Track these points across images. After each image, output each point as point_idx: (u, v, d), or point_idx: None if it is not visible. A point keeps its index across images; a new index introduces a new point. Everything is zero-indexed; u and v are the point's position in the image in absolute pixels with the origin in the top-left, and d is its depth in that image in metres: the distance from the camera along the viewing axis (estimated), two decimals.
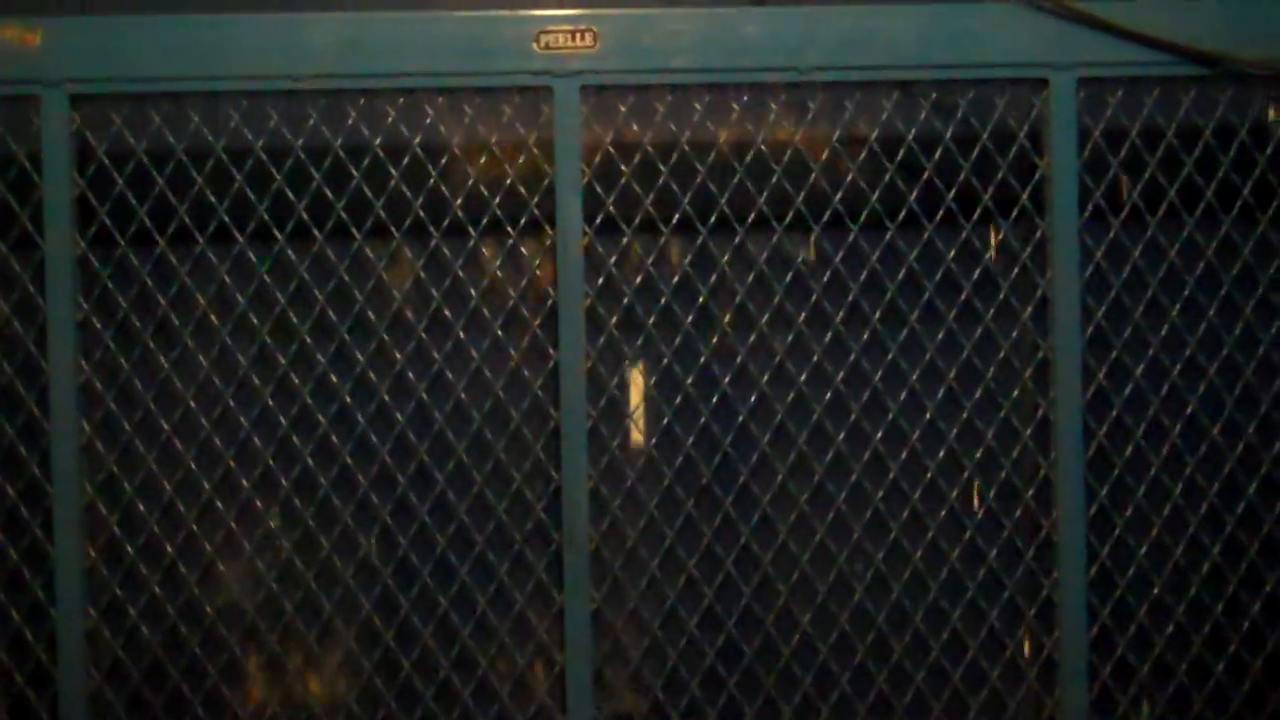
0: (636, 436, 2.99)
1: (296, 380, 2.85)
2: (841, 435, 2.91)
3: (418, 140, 2.74)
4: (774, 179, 2.81)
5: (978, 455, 2.93)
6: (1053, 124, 2.72)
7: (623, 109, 2.76)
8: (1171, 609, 2.93)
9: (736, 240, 2.84)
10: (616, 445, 2.93)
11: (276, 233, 2.76)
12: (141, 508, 2.81)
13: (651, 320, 2.87)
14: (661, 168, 2.78)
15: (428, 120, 2.74)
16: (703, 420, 2.92)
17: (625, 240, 2.81)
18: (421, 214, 2.78)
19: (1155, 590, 2.92)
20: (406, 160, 2.76)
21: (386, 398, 2.87)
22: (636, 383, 2.99)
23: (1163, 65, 2.73)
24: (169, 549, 2.83)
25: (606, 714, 2.96)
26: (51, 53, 2.56)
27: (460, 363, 2.89)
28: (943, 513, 2.93)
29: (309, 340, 2.86)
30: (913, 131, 2.82)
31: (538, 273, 2.95)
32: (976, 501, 3.01)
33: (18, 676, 2.78)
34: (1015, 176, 2.83)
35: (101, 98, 2.62)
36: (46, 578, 2.69)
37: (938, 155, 2.83)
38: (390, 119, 2.73)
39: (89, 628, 2.66)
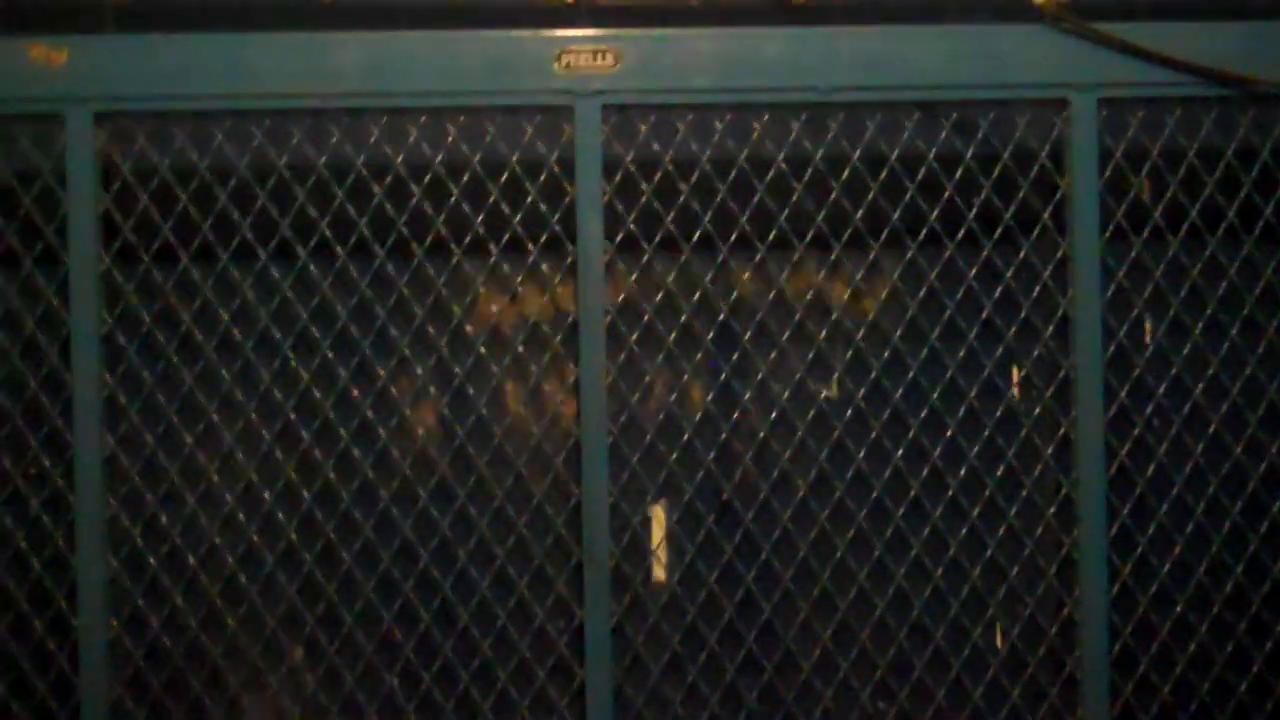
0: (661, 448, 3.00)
1: (318, 394, 2.87)
2: (861, 453, 2.91)
3: (440, 159, 2.75)
4: (793, 197, 2.81)
5: (999, 474, 2.93)
6: (1073, 144, 2.72)
7: (643, 128, 2.76)
8: (1194, 627, 2.93)
9: (757, 258, 2.85)
10: (636, 461, 2.93)
11: (299, 250, 2.77)
12: (163, 519, 2.84)
13: (672, 337, 2.87)
14: (681, 186, 2.78)
15: (449, 139, 2.74)
16: (722, 438, 2.93)
17: (645, 258, 2.82)
18: (443, 230, 2.79)
19: (1178, 608, 2.92)
20: (428, 179, 2.77)
21: (406, 412, 2.89)
22: (659, 519, 3.00)
23: (1184, 86, 2.72)
24: (190, 560, 2.84)
25: None
26: (77, 71, 2.58)
27: (481, 379, 2.91)
28: (964, 531, 2.92)
29: (330, 355, 2.87)
30: (934, 151, 2.82)
31: (558, 290, 2.96)
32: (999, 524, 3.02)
33: (40, 684, 2.80)
34: (1037, 196, 2.83)
35: (126, 115, 2.64)
36: (69, 588, 2.71)
37: (958, 175, 2.83)
38: (413, 138, 2.74)
39: (110, 637, 2.67)
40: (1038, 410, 2.93)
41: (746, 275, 2.87)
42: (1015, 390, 2.96)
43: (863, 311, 2.98)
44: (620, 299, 2.84)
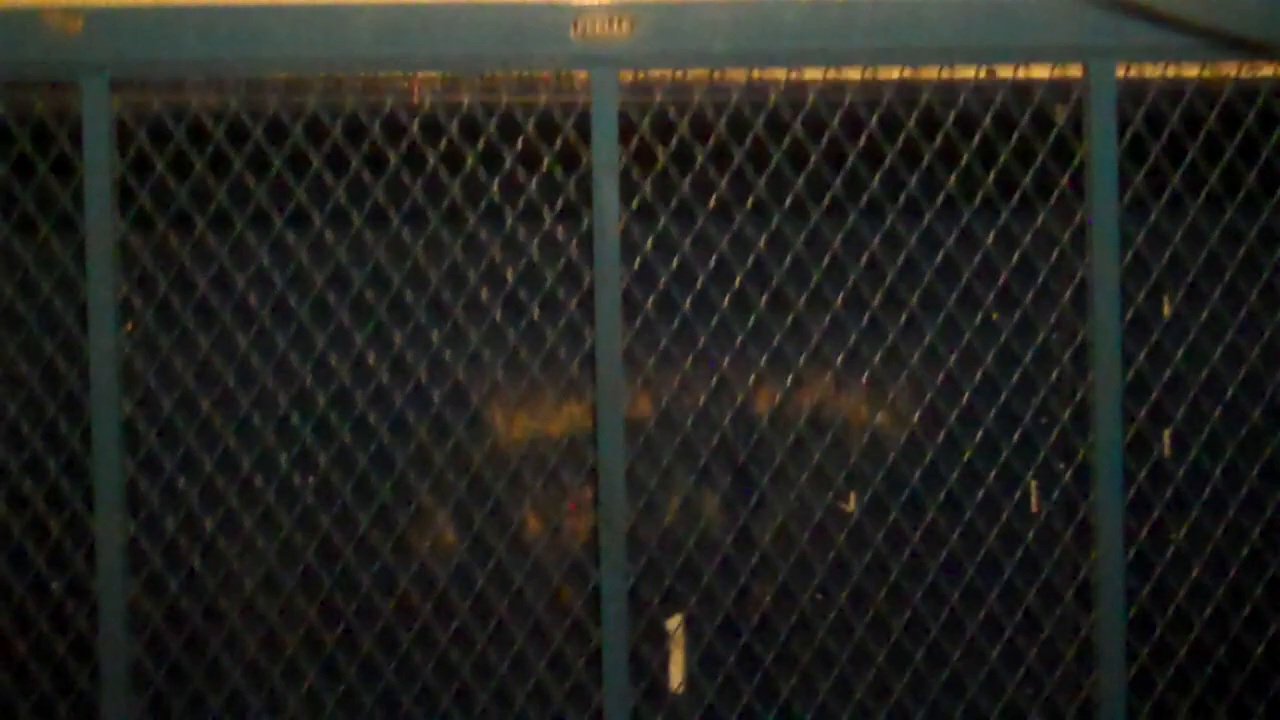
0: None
1: (334, 361, 2.88)
2: (878, 417, 2.92)
3: (455, 124, 2.75)
4: (810, 164, 2.80)
5: (1015, 439, 2.94)
6: (1092, 110, 2.71)
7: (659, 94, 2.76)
8: (1211, 591, 2.94)
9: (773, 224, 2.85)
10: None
11: (315, 215, 2.78)
12: (181, 482, 2.86)
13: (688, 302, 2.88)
14: (698, 151, 2.78)
15: (464, 104, 2.73)
16: (739, 402, 2.94)
17: (661, 224, 2.82)
18: (458, 198, 2.80)
19: (1194, 572, 2.93)
20: (443, 144, 2.77)
21: (423, 378, 2.90)
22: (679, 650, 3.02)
23: (1204, 52, 2.70)
24: (208, 526, 2.87)
25: None
26: (93, 39, 2.57)
27: (497, 344, 2.92)
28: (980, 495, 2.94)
29: (346, 322, 2.88)
30: (951, 116, 2.81)
31: (574, 255, 2.96)
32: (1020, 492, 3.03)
33: (59, 646, 2.82)
34: (1055, 162, 2.82)
35: (142, 83, 2.64)
36: (88, 550, 2.72)
37: (976, 141, 2.82)
38: (427, 103, 2.74)
39: (130, 599, 2.69)
40: (1055, 374, 2.94)
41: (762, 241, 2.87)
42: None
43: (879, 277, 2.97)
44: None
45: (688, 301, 2.85)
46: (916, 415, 2.95)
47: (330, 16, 2.61)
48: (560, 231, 2.90)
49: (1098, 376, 2.74)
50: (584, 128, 2.67)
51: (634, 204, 2.75)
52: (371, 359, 2.88)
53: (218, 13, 2.60)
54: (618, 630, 2.68)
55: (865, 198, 2.83)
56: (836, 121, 2.79)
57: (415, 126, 2.74)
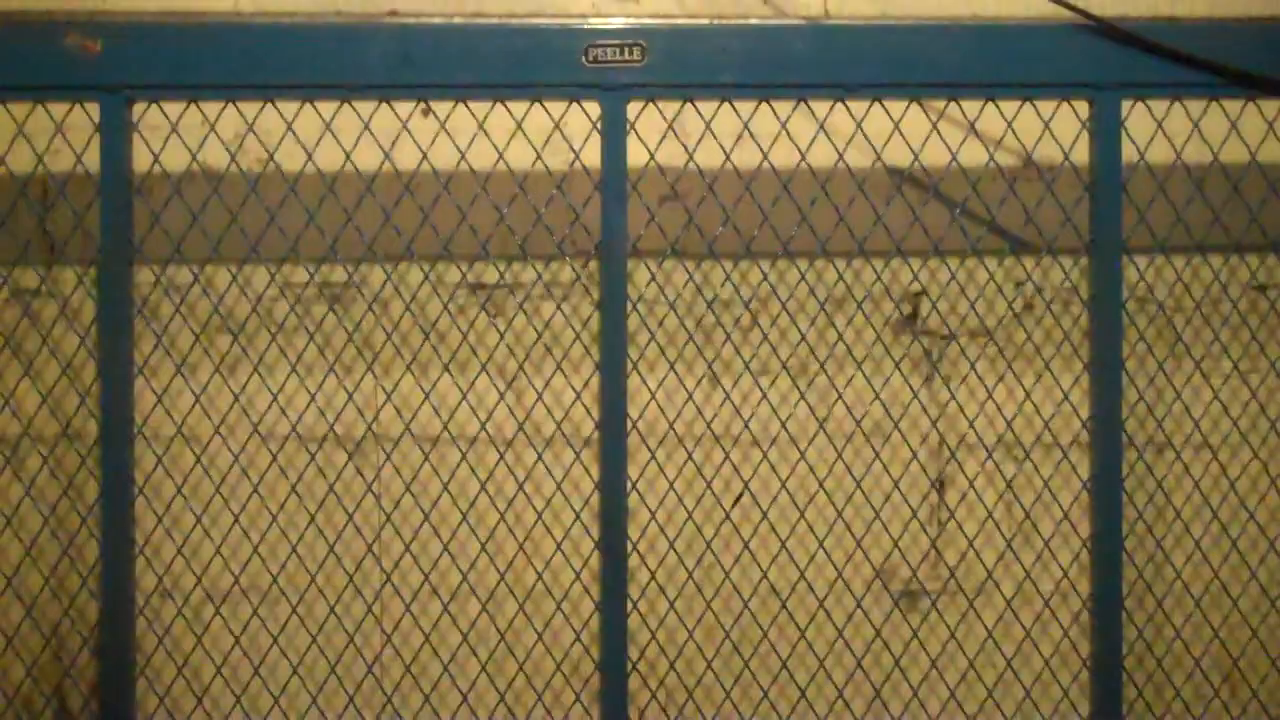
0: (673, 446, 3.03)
1: (339, 392, 2.91)
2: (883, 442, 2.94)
3: (467, 151, 2.77)
4: (814, 200, 2.82)
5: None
6: (1096, 143, 2.73)
7: (667, 123, 2.78)
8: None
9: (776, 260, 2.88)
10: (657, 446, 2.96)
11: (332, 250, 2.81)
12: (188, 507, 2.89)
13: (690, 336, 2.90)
14: (710, 189, 2.80)
15: (475, 131, 2.75)
16: (740, 433, 2.96)
17: (668, 253, 2.85)
18: (472, 227, 2.83)
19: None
20: (454, 172, 2.80)
21: (431, 407, 2.94)
22: None
23: (1207, 87, 2.72)
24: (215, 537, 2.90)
25: None
26: (112, 60, 2.60)
27: (501, 377, 2.96)
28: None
29: (355, 354, 2.91)
30: (958, 146, 2.83)
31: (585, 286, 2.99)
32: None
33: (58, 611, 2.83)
34: (1059, 195, 2.84)
35: (160, 104, 2.67)
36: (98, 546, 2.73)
37: (980, 175, 2.85)
38: (438, 133, 2.76)
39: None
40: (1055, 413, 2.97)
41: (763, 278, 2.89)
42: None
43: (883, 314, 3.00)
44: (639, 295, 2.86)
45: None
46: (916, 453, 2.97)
47: (345, 38, 2.63)
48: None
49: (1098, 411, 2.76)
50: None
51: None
52: (381, 393, 2.92)
53: (233, 33, 2.63)
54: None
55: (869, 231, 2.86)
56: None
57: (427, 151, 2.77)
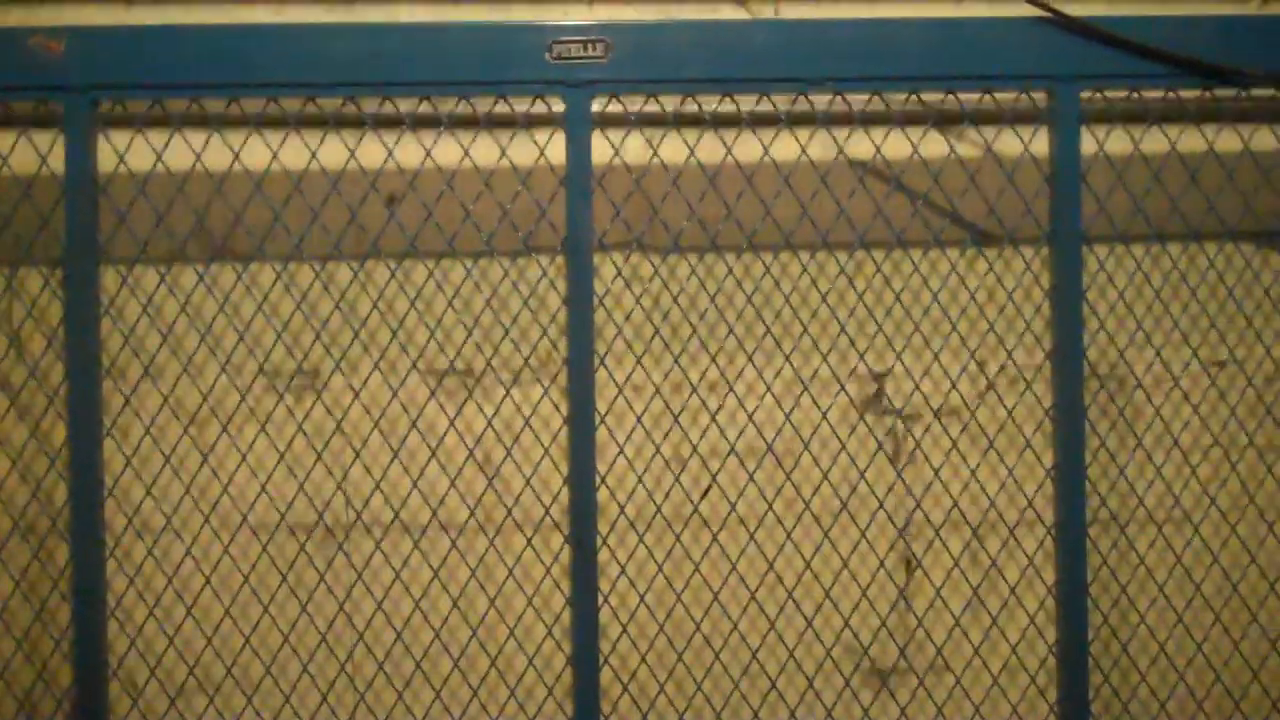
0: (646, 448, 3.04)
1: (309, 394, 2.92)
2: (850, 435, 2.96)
3: (431, 148, 2.78)
4: (778, 194, 2.84)
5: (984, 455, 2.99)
6: (1056, 136, 2.75)
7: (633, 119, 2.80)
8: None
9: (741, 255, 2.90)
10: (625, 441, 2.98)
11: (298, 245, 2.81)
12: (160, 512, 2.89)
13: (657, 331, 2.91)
14: (675, 184, 2.82)
15: (440, 128, 2.76)
16: (706, 431, 2.98)
17: (633, 249, 2.86)
18: (440, 226, 2.83)
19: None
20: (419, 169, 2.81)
21: (404, 408, 2.94)
22: None
23: (1166, 79, 2.75)
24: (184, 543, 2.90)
25: None
26: (76, 60, 2.60)
27: (469, 373, 2.96)
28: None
29: (325, 352, 2.92)
30: (919, 139, 2.85)
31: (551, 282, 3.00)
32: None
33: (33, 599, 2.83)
34: (1019, 187, 2.87)
35: (125, 106, 2.67)
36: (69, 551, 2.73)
37: (942, 166, 2.87)
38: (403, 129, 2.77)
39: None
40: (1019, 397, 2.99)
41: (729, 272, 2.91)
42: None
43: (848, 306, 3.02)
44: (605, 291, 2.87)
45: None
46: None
47: (310, 38, 2.64)
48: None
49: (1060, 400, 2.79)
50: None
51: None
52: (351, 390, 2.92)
53: (198, 34, 2.63)
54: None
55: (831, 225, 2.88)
56: None
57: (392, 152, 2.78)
